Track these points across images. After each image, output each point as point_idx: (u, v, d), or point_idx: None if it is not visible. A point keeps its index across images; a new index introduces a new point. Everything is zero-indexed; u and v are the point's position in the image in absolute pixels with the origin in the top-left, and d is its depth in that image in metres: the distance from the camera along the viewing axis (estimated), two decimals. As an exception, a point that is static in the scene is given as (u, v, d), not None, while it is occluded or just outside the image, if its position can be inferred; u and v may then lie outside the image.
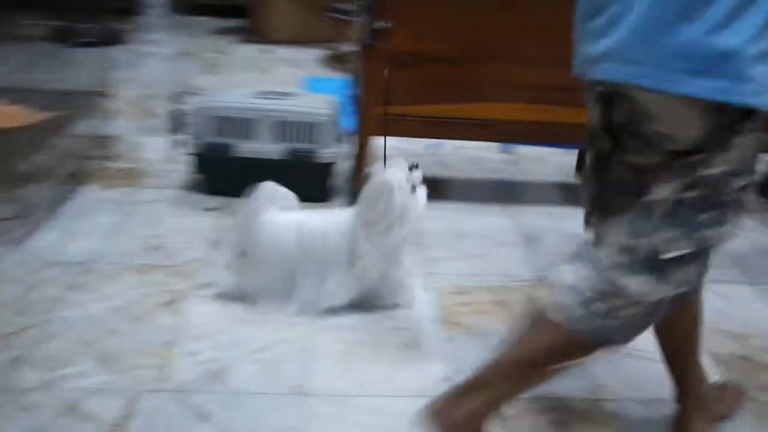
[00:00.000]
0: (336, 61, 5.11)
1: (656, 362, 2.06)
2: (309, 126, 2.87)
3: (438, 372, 1.98)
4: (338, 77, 4.20)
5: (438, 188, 3.19)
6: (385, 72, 2.57)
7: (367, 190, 2.15)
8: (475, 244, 2.70)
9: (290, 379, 1.92)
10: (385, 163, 2.21)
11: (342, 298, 2.21)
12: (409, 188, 2.13)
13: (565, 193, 3.24)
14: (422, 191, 2.18)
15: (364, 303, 2.23)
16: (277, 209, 2.21)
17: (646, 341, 2.14)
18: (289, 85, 4.58)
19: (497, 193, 3.20)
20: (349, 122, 3.00)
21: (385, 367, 1.99)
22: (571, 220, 2.89)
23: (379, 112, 2.76)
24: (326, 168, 2.93)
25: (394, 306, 2.27)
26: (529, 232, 2.83)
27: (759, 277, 2.59)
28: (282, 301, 2.20)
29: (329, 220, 2.23)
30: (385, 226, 2.13)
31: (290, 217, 2.22)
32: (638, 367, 2.05)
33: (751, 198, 3.23)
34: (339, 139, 3.01)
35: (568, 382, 1.96)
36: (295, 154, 2.87)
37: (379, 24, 2.67)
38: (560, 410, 1.86)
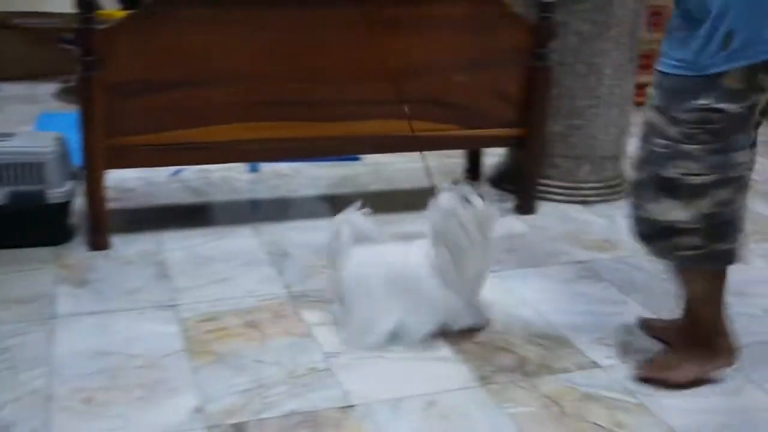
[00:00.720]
0: (70, 94, 4.87)
1: (404, 360, 2.14)
2: (32, 166, 2.70)
3: (188, 404, 1.93)
4: (73, 111, 4.01)
5: (183, 215, 3.12)
6: (106, 103, 2.48)
7: (433, 224, 2.19)
8: (222, 268, 2.66)
9: (24, 440, 1.79)
10: (436, 192, 2.22)
11: (428, 327, 2.22)
12: (467, 210, 2.15)
13: (313, 206, 3.28)
14: (477, 200, 2.17)
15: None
16: (359, 241, 2.27)
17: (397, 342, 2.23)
18: (22, 123, 4.32)
19: (246, 214, 3.18)
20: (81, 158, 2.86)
21: (133, 408, 1.90)
22: (321, 233, 2.95)
23: (105, 144, 2.67)
24: (59, 208, 2.77)
25: (470, 328, 2.29)
26: (278, 249, 2.83)
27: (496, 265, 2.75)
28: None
29: (413, 251, 2.25)
30: (459, 254, 2.15)
31: (374, 251, 2.26)
32: (386, 368, 2.11)
33: (486, 189, 3.43)
34: (72, 177, 2.86)
35: (317, 394, 1.98)
36: (17, 197, 2.69)
37: (91, 54, 2.57)
38: (312, 423, 1.87)
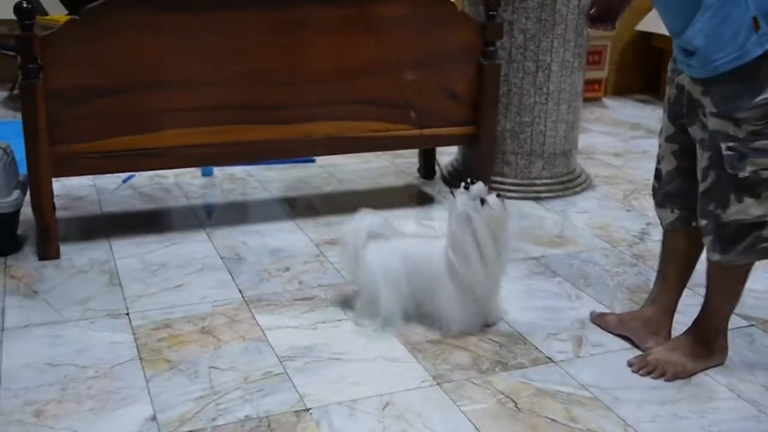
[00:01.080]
0: (17, 102, 4.79)
1: (359, 362, 2.14)
2: (-24, 176, 2.65)
3: (141, 413, 1.91)
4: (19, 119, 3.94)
5: (135, 222, 3.09)
6: (50, 110, 2.44)
7: (450, 224, 2.22)
8: (175, 274, 2.64)
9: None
10: (453, 194, 2.26)
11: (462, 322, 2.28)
12: (480, 209, 2.18)
13: (267, 209, 3.27)
14: (492, 199, 2.20)
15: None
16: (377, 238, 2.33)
17: (353, 344, 2.23)
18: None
19: (199, 219, 3.16)
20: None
21: (85, 420, 1.87)
22: (275, 235, 2.95)
23: (51, 152, 2.63)
24: (6, 218, 2.72)
25: (486, 326, 2.33)
26: (232, 253, 2.81)
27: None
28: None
29: (434, 245, 2.29)
30: (475, 254, 2.19)
31: (393, 244, 2.32)
32: (342, 370, 2.11)
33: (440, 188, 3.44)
34: (19, 186, 2.81)
35: (272, 398, 1.97)
36: (-40, 209, 2.64)
37: (33, 62, 2.53)
38: (267, 428, 1.86)
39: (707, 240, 2.02)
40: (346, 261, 2.41)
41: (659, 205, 2.22)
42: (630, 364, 2.17)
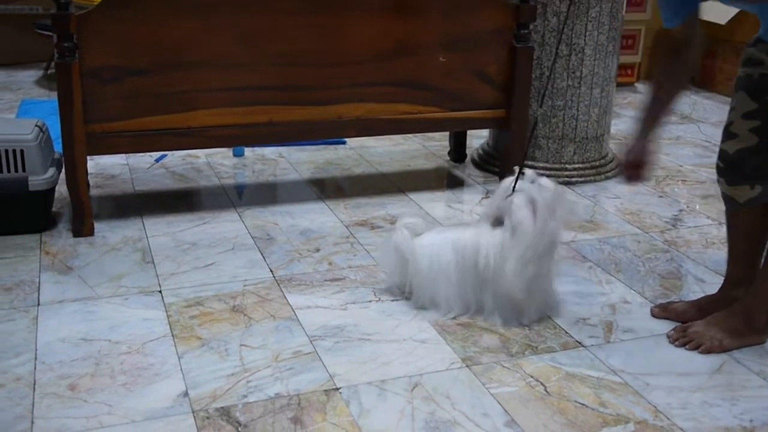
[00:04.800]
0: (52, 81, 4.84)
1: (388, 342, 2.15)
2: (14, 154, 2.68)
3: (173, 389, 1.93)
4: (55, 98, 3.98)
5: (167, 201, 3.11)
6: (85, 89, 2.47)
7: (510, 219, 2.19)
8: (206, 253, 2.66)
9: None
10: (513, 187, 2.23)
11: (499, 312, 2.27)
12: (541, 198, 2.17)
13: (297, 191, 3.28)
14: (547, 182, 2.22)
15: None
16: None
17: (383, 325, 2.24)
18: (4, 111, 4.29)
19: (231, 199, 3.17)
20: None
21: (117, 395, 1.90)
22: (306, 216, 2.97)
23: (85, 131, 2.65)
24: (42, 196, 2.75)
25: (540, 318, 2.30)
26: (263, 233, 2.83)
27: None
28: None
29: (483, 236, 2.26)
30: (534, 249, 2.17)
31: (444, 235, 2.33)
32: (371, 351, 2.12)
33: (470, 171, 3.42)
34: (55, 164, 2.84)
35: (302, 377, 1.99)
36: (-2, 184, 2.68)
37: (68, 40, 2.55)
38: (297, 406, 1.88)
39: None
40: (393, 265, 2.40)
41: (733, 183, 2.18)
42: (668, 336, 2.20)
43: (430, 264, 2.29)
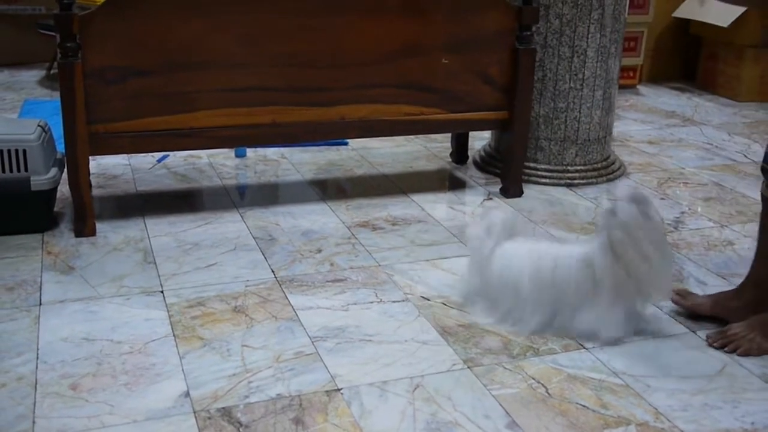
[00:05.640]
0: (54, 81, 4.85)
1: (390, 344, 2.15)
2: (16, 153, 2.68)
3: (175, 389, 1.93)
4: (57, 98, 3.99)
5: (169, 201, 3.11)
6: (88, 89, 2.47)
7: (608, 235, 2.13)
8: (208, 253, 2.66)
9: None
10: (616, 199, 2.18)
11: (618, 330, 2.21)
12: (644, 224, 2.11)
13: (299, 191, 3.28)
14: (655, 214, 2.14)
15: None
16: (504, 237, 2.28)
17: (384, 326, 2.24)
18: (7, 110, 4.29)
19: (233, 199, 3.18)
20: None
21: (119, 394, 1.90)
22: (307, 216, 2.97)
23: (88, 131, 2.66)
24: (44, 195, 2.76)
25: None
26: (265, 234, 2.83)
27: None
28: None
29: (565, 253, 2.22)
30: (630, 268, 2.12)
31: (522, 247, 2.26)
32: (373, 352, 2.12)
33: (471, 173, 3.43)
34: (57, 164, 2.85)
35: (303, 378, 1.99)
36: (1, 184, 2.67)
37: (71, 40, 2.55)
38: (298, 407, 1.88)
39: None
40: (472, 264, 2.36)
41: None
42: (708, 337, 2.21)
43: (505, 274, 2.24)
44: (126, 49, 2.65)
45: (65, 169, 2.76)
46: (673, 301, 2.36)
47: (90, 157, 2.74)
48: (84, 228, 2.75)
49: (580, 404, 1.93)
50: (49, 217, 2.82)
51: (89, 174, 2.78)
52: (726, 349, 2.16)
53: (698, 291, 2.50)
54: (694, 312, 2.32)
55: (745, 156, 3.93)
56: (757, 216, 3.05)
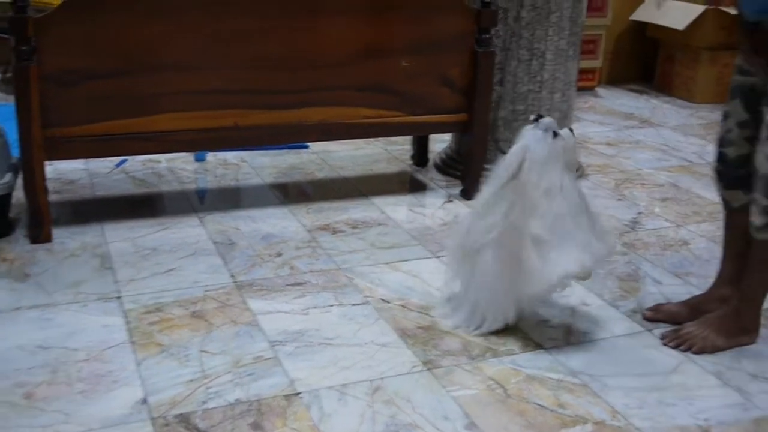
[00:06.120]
0: (9, 84, 4.76)
1: (349, 346, 2.15)
2: (-32, 159, 2.64)
3: (132, 396, 1.91)
4: (12, 102, 3.92)
5: (128, 206, 3.08)
6: (43, 93, 2.44)
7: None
8: (167, 258, 2.64)
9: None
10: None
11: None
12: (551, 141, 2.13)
13: (259, 195, 3.27)
14: (565, 132, 2.17)
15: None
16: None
17: (344, 329, 2.24)
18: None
19: (191, 204, 3.15)
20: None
21: (75, 402, 1.88)
22: (268, 220, 2.96)
23: (43, 135, 2.62)
24: (-3, 201, 2.72)
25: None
26: (224, 238, 2.81)
27: (441, 250, 2.77)
28: None
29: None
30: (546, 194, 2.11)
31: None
32: (332, 355, 2.12)
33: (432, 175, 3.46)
34: (11, 169, 2.80)
35: (262, 382, 1.98)
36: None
37: (26, 44, 2.52)
38: (257, 412, 1.87)
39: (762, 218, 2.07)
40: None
41: (729, 187, 2.25)
42: (662, 337, 2.24)
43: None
44: (84, 52, 2.62)
45: (20, 174, 2.72)
46: (648, 319, 2.37)
47: (47, 162, 2.70)
48: (40, 234, 2.71)
49: (538, 404, 1.94)
50: (3, 223, 2.78)
51: (45, 179, 2.74)
52: (680, 347, 2.19)
53: (654, 290, 2.54)
54: (674, 322, 2.33)
55: (700, 157, 3.99)
56: (711, 216, 3.12)
